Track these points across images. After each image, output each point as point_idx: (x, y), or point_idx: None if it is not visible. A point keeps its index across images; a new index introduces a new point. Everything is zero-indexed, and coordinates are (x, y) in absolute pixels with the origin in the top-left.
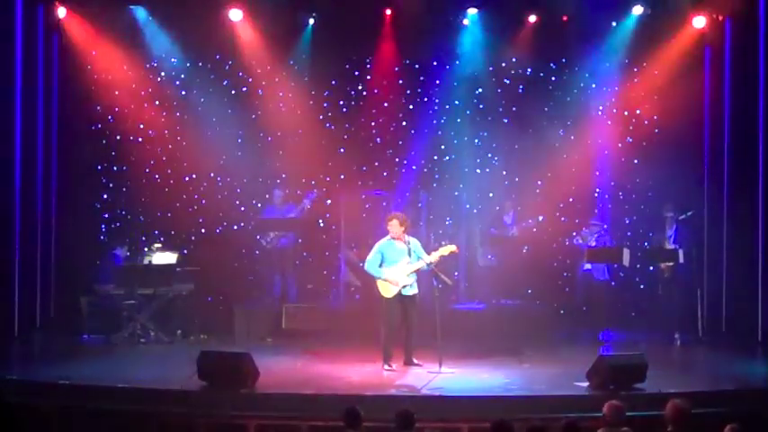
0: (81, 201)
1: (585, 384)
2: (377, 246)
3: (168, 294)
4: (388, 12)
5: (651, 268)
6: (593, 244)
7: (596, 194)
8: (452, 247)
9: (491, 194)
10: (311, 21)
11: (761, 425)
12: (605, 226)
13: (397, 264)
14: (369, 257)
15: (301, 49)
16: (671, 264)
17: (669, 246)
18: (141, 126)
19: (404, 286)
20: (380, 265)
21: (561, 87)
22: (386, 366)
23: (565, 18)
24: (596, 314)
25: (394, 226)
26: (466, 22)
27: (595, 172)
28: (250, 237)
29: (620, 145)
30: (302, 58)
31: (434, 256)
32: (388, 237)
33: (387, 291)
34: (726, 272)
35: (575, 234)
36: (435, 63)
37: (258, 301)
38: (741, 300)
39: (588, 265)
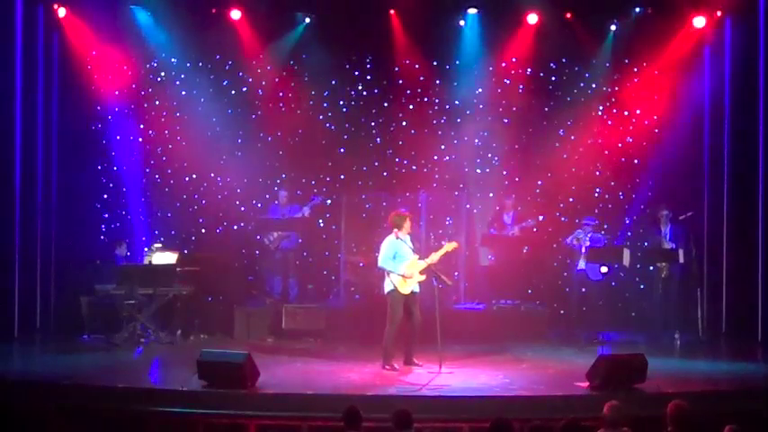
0: (81, 201)
1: (585, 384)
2: (389, 243)
3: (168, 294)
4: (390, 12)
5: (651, 268)
6: (588, 244)
7: (596, 194)
8: (454, 244)
9: (491, 194)
10: (311, 21)
11: (761, 425)
12: (596, 223)
13: (407, 260)
14: (384, 254)
15: (301, 49)
16: (666, 263)
17: (666, 245)
18: (141, 126)
19: (417, 282)
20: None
21: (561, 87)
22: (386, 366)
23: (566, 17)
24: (592, 314)
25: (408, 225)
26: (464, 23)
27: (595, 172)
28: (250, 237)
29: (620, 145)
30: (302, 58)
31: (436, 256)
32: (393, 235)
33: (403, 286)
34: (726, 272)
35: (569, 235)
36: (435, 63)
37: (258, 301)
38: (741, 300)
39: (582, 265)
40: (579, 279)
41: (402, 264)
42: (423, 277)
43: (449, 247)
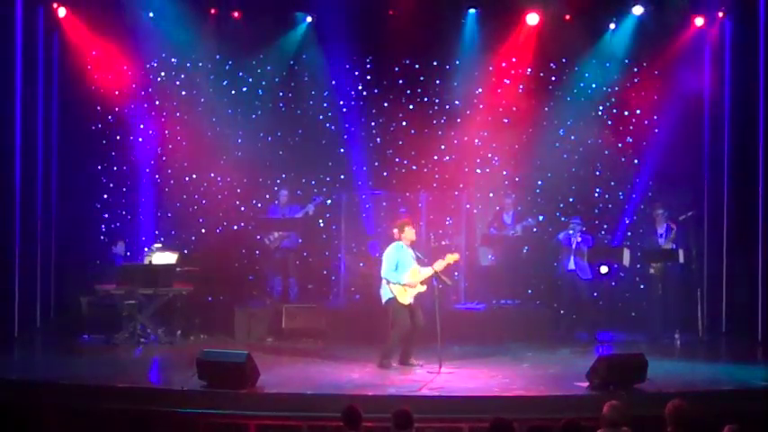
0: (81, 201)
1: (585, 384)
2: (393, 253)
3: (168, 294)
4: (389, 12)
5: (639, 266)
6: (579, 240)
7: (596, 194)
8: (455, 256)
9: (491, 194)
10: (311, 21)
11: (761, 425)
12: (581, 223)
13: (408, 270)
14: (386, 265)
15: (301, 49)
16: (659, 264)
17: (662, 244)
18: (141, 126)
19: (417, 293)
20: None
21: (561, 87)
22: (383, 363)
23: (566, 17)
24: (591, 314)
25: (411, 233)
26: (465, 21)
27: (595, 172)
28: (250, 237)
29: (620, 145)
30: (302, 58)
31: (439, 266)
32: (398, 243)
33: (403, 296)
34: (726, 272)
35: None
36: (435, 63)
37: (258, 301)
38: (741, 300)
39: (572, 265)
40: (570, 279)
41: (404, 273)
42: (424, 288)
43: (450, 259)
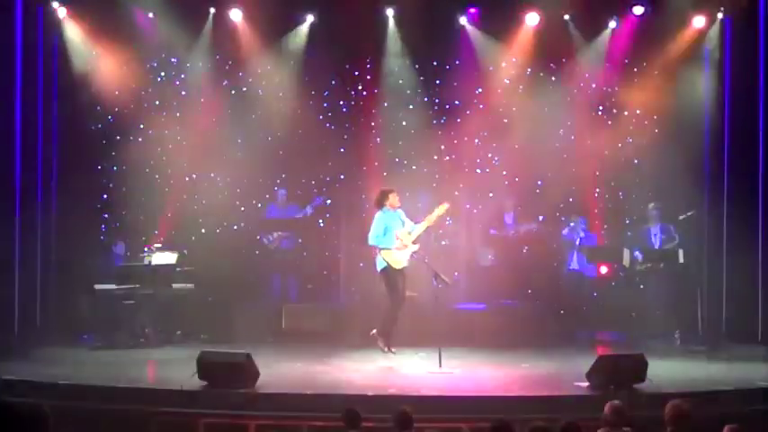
0: (81, 201)
1: (585, 384)
2: (378, 218)
3: (168, 294)
4: (389, 12)
5: (643, 268)
6: (582, 235)
7: (596, 194)
8: (445, 206)
9: (491, 194)
10: (311, 20)
11: (761, 425)
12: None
13: (400, 231)
14: (373, 232)
15: (301, 49)
16: (649, 264)
17: (655, 245)
18: (141, 126)
19: (411, 253)
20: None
21: (561, 87)
22: (384, 348)
23: (566, 17)
24: (592, 314)
25: (395, 198)
26: (465, 21)
27: (595, 172)
28: (250, 237)
29: (620, 145)
30: (302, 58)
31: (432, 218)
32: (383, 209)
33: (398, 261)
34: (726, 272)
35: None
36: (435, 63)
37: (258, 301)
38: (741, 300)
39: (575, 265)
40: (572, 279)
41: (393, 236)
42: (416, 246)
43: (441, 209)
